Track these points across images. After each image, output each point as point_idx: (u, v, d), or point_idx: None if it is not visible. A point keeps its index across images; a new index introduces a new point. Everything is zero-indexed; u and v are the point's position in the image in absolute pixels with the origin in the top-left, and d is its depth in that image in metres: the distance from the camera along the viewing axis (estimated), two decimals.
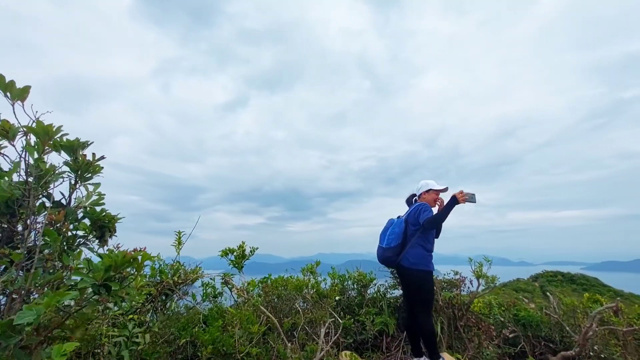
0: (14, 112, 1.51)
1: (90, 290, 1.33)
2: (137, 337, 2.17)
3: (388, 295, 4.26)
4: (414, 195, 3.44)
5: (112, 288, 1.34)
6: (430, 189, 3.28)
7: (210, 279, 3.54)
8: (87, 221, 1.72)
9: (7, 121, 1.51)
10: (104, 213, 1.72)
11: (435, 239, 3.24)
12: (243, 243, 3.75)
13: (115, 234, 1.92)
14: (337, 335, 3.25)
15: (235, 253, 3.70)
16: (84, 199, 1.71)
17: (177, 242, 3.19)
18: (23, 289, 1.32)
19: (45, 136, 1.50)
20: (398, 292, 4.27)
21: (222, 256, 3.69)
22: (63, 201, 1.70)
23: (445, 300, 4.00)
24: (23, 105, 1.51)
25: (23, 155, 1.52)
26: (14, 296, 1.35)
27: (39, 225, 1.53)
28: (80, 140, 1.61)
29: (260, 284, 3.82)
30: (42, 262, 1.47)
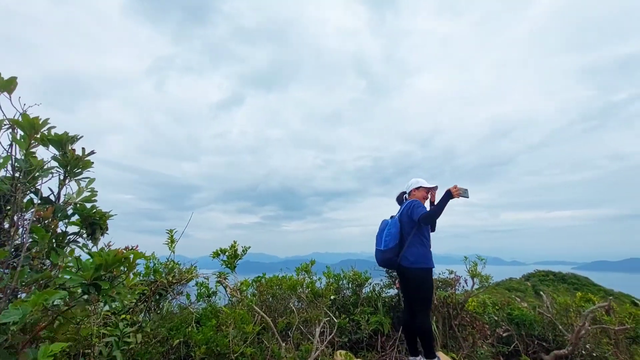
0: None
1: (79, 289, 1.29)
2: (128, 337, 2.13)
3: (383, 295, 4.26)
4: (404, 193, 3.45)
5: (102, 287, 1.30)
6: (421, 186, 3.30)
7: (205, 278, 3.50)
8: (76, 218, 1.67)
9: None
10: (95, 210, 1.67)
11: (432, 233, 3.25)
12: (235, 243, 3.71)
13: (107, 232, 1.87)
14: (332, 334, 3.24)
15: (227, 253, 3.66)
16: (75, 195, 1.66)
17: (169, 241, 3.14)
18: (9, 288, 1.27)
19: (32, 129, 1.45)
20: (393, 291, 4.28)
21: (213, 257, 3.65)
22: (52, 197, 1.64)
23: (440, 299, 4.00)
24: (10, 97, 1.45)
25: (10, 150, 1.46)
26: None
27: (26, 222, 1.48)
28: (69, 135, 1.56)
29: (254, 284, 3.78)
30: (28, 260, 1.42)
